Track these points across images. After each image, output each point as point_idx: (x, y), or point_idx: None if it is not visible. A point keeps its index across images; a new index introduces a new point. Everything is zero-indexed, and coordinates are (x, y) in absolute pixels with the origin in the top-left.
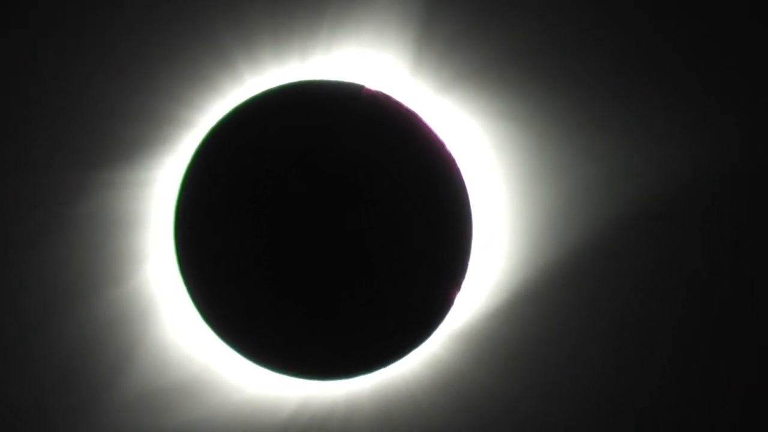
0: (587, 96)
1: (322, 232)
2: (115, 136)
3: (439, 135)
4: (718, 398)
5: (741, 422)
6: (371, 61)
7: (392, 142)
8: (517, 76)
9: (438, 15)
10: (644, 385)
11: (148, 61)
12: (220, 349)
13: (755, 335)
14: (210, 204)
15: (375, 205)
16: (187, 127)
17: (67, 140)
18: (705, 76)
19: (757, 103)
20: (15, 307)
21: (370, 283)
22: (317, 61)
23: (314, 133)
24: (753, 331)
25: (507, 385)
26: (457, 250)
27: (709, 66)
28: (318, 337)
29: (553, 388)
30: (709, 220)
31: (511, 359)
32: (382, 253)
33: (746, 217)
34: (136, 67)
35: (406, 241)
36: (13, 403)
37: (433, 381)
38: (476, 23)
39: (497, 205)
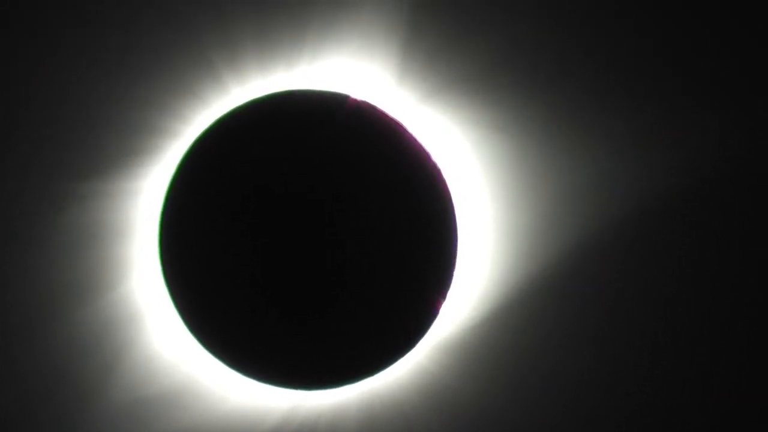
0: (572, 103)
1: (307, 242)
2: (100, 146)
3: (423, 144)
4: (710, 405)
5: (737, 428)
6: (356, 70)
7: (377, 152)
8: (501, 85)
9: (422, 24)
10: (631, 393)
11: (132, 71)
12: (205, 359)
13: (748, 339)
14: (195, 214)
15: (359, 214)
16: (172, 137)
17: (53, 149)
18: (692, 79)
19: (747, 107)
20: (1, 312)
21: (355, 292)
22: (302, 71)
23: (299, 142)
24: (746, 334)
25: (492, 394)
26: (442, 259)
27: (697, 69)
28: (303, 347)
29: (538, 398)
30: (698, 225)
31: (496, 369)
32: (367, 263)
33: (736, 220)
34: (120, 77)
35: (390, 251)
36: None
37: (419, 391)
38: (460, 32)
39: (482, 215)
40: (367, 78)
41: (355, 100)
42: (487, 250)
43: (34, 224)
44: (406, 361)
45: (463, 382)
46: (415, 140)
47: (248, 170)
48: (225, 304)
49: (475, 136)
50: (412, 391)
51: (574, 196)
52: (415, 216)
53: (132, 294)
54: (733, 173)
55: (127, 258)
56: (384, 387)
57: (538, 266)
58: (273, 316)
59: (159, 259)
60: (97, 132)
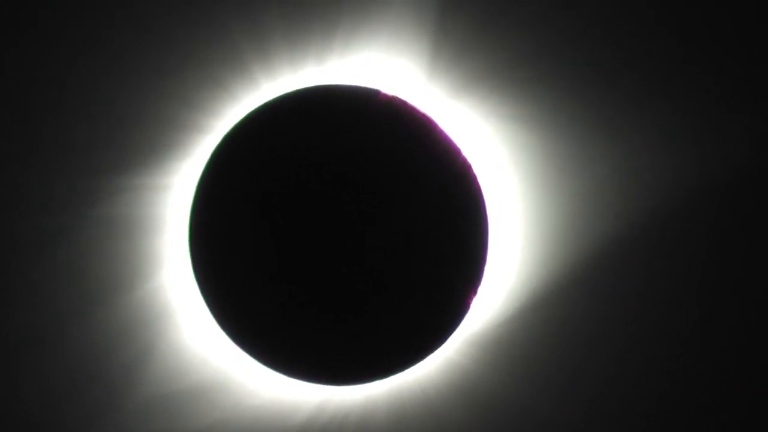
0: (603, 98)
1: (337, 237)
2: (131, 141)
3: (454, 140)
4: (730, 402)
5: (757, 428)
6: (386, 65)
7: (407, 147)
8: (531, 79)
9: (452, 18)
10: (658, 388)
11: (163, 66)
12: (235, 354)
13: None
14: (225, 209)
15: (390, 209)
16: (202, 132)
17: (84, 145)
18: (718, 78)
19: None
20: (31, 310)
21: (386, 288)
22: (332, 66)
23: (329, 137)
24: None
25: (522, 390)
26: (473, 254)
27: (722, 67)
28: (333, 342)
29: (567, 393)
30: (729, 220)
31: (526, 364)
32: (398, 258)
33: (761, 220)
34: (151, 72)
35: (421, 246)
36: (29, 406)
37: (449, 386)
38: (490, 26)
39: (512, 210)
40: (397, 73)
41: (385, 95)
42: (518, 246)
43: (66, 220)
44: (437, 356)
45: (493, 377)
46: (445, 135)
47: (279, 165)
48: (255, 298)
49: (505, 130)
50: (442, 386)
51: (605, 191)
52: (446, 211)
53: (162, 289)
54: (766, 168)
55: (157, 253)
56: (414, 382)
57: (569, 261)
58: (303, 310)
59: (189, 254)
60: (128, 128)
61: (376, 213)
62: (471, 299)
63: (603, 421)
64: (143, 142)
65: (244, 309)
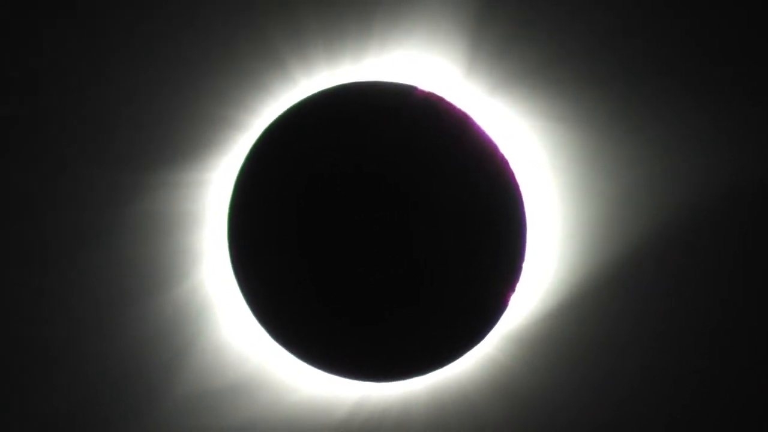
0: (641, 98)
1: (375, 233)
2: (169, 138)
3: (491, 137)
4: (766, 401)
5: None
6: (423, 62)
7: (444, 144)
8: (570, 77)
9: (490, 15)
10: (693, 388)
11: (202, 64)
12: (274, 350)
13: None
14: (264, 205)
15: (428, 207)
16: (240, 129)
17: (123, 142)
18: (759, 77)
19: None
20: (71, 306)
21: (424, 284)
22: (370, 63)
23: (366, 134)
24: None
25: (560, 386)
26: (511, 252)
27: (763, 66)
28: (372, 338)
29: (606, 390)
30: (760, 223)
31: (565, 361)
32: (436, 255)
33: None
34: (190, 70)
35: (459, 243)
36: (69, 403)
37: (488, 382)
38: (529, 23)
39: (550, 207)
40: (434, 70)
41: (422, 92)
42: (556, 243)
43: (105, 216)
44: (475, 353)
45: (532, 373)
46: (482, 132)
47: (316, 162)
48: (293, 295)
49: (543, 128)
50: (481, 382)
51: (642, 191)
52: (483, 208)
53: (201, 285)
54: None
55: (196, 249)
56: (453, 378)
57: (607, 258)
58: (342, 307)
59: (228, 250)
60: (166, 124)
61: (413, 210)
62: (509, 296)
63: (639, 419)
64: (181, 139)
65: (284, 305)
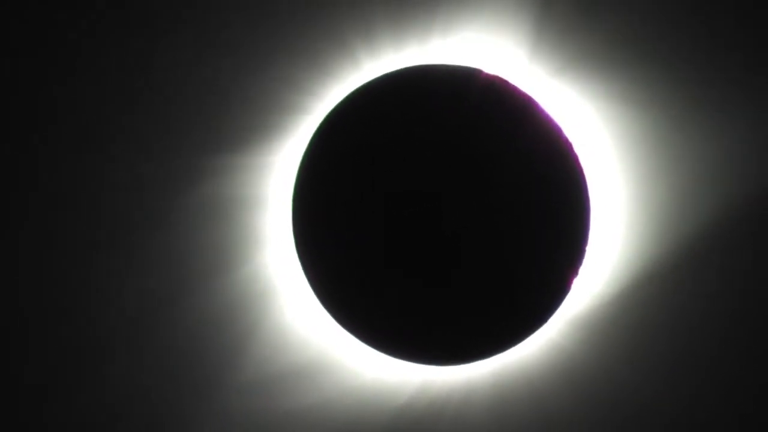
0: (708, 81)
1: (439, 217)
2: (234, 122)
3: (556, 120)
4: None
5: None
6: (488, 44)
7: (509, 127)
8: (636, 58)
9: None
10: (761, 372)
11: (265, 47)
12: (337, 334)
13: None
14: (327, 189)
15: (492, 190)
16: (303, 113)
17: (189, 126)
18: None
19: None
20: (136, 290)
21: (487, 268)
22: (435, 46)
23: (431, 117)
24: None
25: (625, 370)
26: (574, 234)
27: None
28: (436, 322)
29: (670, 375)
30: None
31: (629, 345)
32: (500, 238)
33: None
34: (253, 53)
35: (522, 226)
36: (134, 386)
37: (551, 366)
38: (594, 4)
39: (615, 190)
40: (498, 52)
41: (487, 75)
42: (621, 226)
43: (171, 199)
44: (539, 336)
45: (595, 357)
46: (546, 115)
47: (381, 145)
48: (357, 278)
49: (608, 110)
50: (544, 366)
51: (708, 175)
52: (547, 191)
53: (265, 268)
54: None
55: (260, 232)
56: (516, 362)
57: (672, 242)
58: (406, 290)
59: (293, 233)
60: (232, 109)
61: (477, 193)
62: (572, 279)
63: (706, 405)
64: (246, 124)
65: (347, 288)
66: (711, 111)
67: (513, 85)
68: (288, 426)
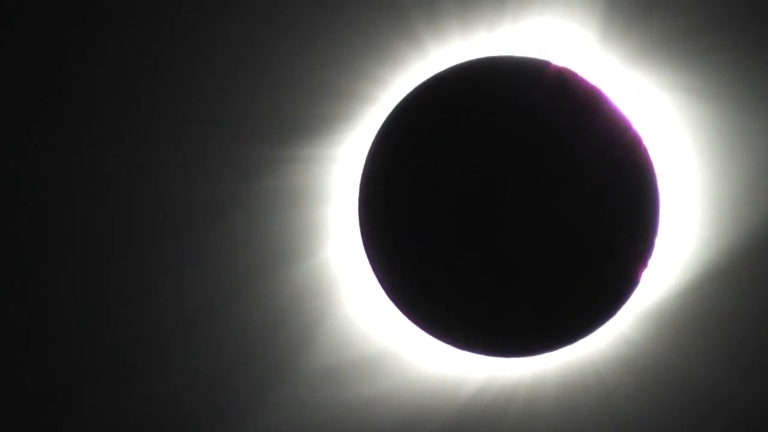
0: None
1: (508, 208)
2: (299, 112)
3: (623, 112)
4: None
5: None
6: (558, 30)
7: (576, 120)
8: (712, 47)
9: None
10: None
11: (332, 36)
12: (403, 325)
13: None
14: (394, 179)
15: (559, 183)
16: (368, 102)
17: (254, 116)
18: None
19: None
20: (203, 278)
21: (556, 260)
22: (504, 33)
23: (498, 110)
24: None
25: (695, 364)
26: (644, 227)
27: None
28: (503, 313)
29: (743, 368)
30: None
31: (700, 338)
32: (568, 231)
33: None
34: (320, 42)
35: (590, 219)
36: (199, 375)
37: (620, 360)
38: None
39: (687, 182)
40: (569, 38)
41: (556, 67)
42: (693, 217)
43: (234, 190)
44: (607, 330)
45: (666, 351)
46: (615, 108)
47: (448, 137)
48: (423, 269)
49: (682, 101)
50: (613, 359)
51: None
52: (615, 184)
53: (331, 259)
54: None
55: (326, 223)
56: (584, 356)
57: (744, 234)
58: (473, 282)
59: (359, 224)
60: (297, 98)
61: (545, 186)
62: (641, 272)
63: None
64: (312, 113)
65: (413, 280)
66: None
67: (581, 77)
68: (353, 416)
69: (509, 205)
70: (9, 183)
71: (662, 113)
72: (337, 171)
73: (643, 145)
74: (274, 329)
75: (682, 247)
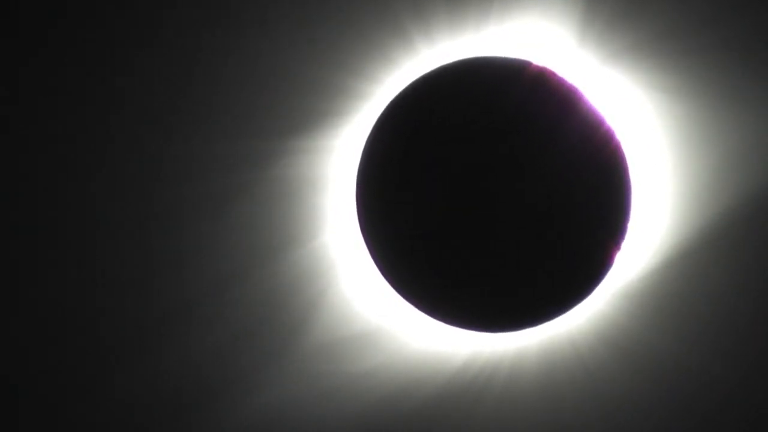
0: (758, 72)
1: (492, 197)
2: (299, 107)
3: (599, 109)
4: None
5: None
6: (541, 31)
7: (554, 116)
8: (689, 49)
9: None
10: None
11: (329, 37)
12: (396, 304)
13: None
14: (389, 169)
15: (538, 175)
16: (363, 98)
17: (259, 111)
18: None
19: None
20: (209, 263)
21: (537, 244)
22: (491, 32)
23: (482, 107)
24: None
25: (670, 341)
26: (616, 213)
27: None
28: (489, 292)
29: (715, 344)
30: None
31: (674, 316)
32: (549, 216)
33: None
34: (318, 43)
35: (569, 206)
36: (205, 354)
37: (596, 335)
38: None
39: (658, 172)
40: (550, 39)
41: (537, 67)
42: (664, 205)
43: (243, 180)
44: (585, 306)
45: (642, 328)
46: (591, 105)
47: (436, 132)
48: (414, 250)
49: (658, 100)
50: (590, 334)
51: (753, 149)
52: (591, 175)
53: (329, 243)
54: None
55: (324, 210)
56: (564, 331)
57: (709, 220)
58: (462, 264)
59: (356, 210)
60: (295, 95)
61: (526, 176)
62: (615, 254)
63: (747, 374)
64: (311, 109)
65: (405, 259)
66: (760, 102)
67: (559, 77)
68: (350, 388)
69: (494, 193)
70: (8, 178)
71: (635, 107)
72: (333, 162)
73: (616, 139)
74: (277, 308)
75: (652, 231)
